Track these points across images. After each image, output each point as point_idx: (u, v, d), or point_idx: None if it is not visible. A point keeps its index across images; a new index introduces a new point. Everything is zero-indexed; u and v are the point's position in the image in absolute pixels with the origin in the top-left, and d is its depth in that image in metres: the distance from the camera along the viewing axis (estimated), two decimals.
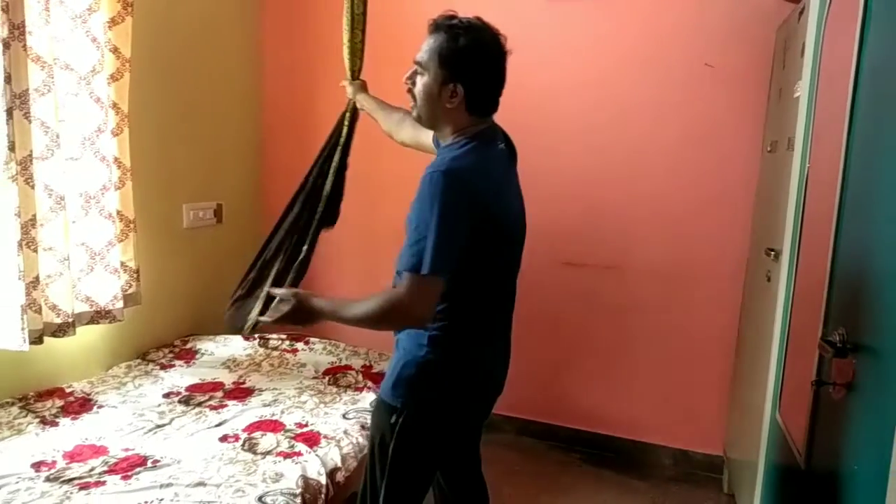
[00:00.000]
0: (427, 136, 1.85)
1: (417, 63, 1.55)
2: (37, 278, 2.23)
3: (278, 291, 1.65)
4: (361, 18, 2.30)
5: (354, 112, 2.34)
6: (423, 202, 1.41)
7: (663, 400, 3.05)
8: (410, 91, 1.58)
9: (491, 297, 1.61)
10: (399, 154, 2.21)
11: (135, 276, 2.65)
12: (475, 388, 1.65)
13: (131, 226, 2.61)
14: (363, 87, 2.35)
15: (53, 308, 2.34)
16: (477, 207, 1.44)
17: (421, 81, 1.54)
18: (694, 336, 2.97)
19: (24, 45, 2.15)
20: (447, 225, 1.39)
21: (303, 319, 1.58)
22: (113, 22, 2.48)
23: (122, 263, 2.60)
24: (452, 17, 1.52)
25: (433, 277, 1.40)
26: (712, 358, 2.95)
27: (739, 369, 2.78)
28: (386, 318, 1.47)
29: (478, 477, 1.91)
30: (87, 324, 2.50)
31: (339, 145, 2.31)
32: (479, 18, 1.54)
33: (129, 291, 2.63)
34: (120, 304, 2.57)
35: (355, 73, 2.36)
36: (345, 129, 2.33)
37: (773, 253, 2.16)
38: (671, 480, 2.97)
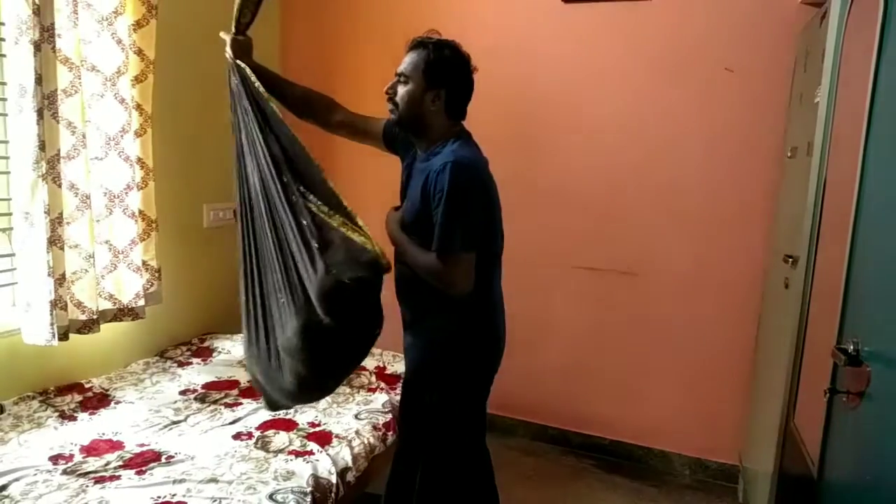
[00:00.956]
0: (372, 125, 2.03)
1: (401, 73, 1.76)
2: (63, 275, 2.28)
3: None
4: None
5: (240, 69, 1.87)
6: (445, 190, 1.62)
7: (679, 407, 3.02)
8: (391, 99, 1.79)
9: (497, 278, 1.87)
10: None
11: (156, 274, 2.69)
12: (499, 348, 1.90)
13: (153, 225, 2.65)
14: (248, 48, 1.93)
15: (79, 305, 2.39)
16: (488, 191, 1.74)
17: (404, 90, 1.75)
18: (711, 343, 2.94)
19: (54, 47, 2.20)
20: (467, 207, 1.65)
21: (390, 227, 1.83)
22: (138, 24, 2.53)
23: (144, 262, 2.64)
24: (432, 37, 1.76)
25: (467, 254, 1.67)
26: (729, 365, 2.92)
27: (757, 376, 2.74)
28: (435, 280, 1.71)
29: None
30: (110, 321, 2.54)
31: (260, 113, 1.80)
32: (455, 42, 1.78)
33: (151, 290, 2.67)
34: (142, 303, 2.62)
35: (241, 27, 1.92)
36: (252, 87, 1.82)
37: (790, 259, 2.14)
38: (685, 489, 2.94)
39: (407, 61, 1.76)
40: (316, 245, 1.54)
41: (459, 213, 1.64)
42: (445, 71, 1.74)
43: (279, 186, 1.65)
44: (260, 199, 1.72)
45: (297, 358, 1.62)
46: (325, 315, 1.53)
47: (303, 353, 1.60)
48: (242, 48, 1.90)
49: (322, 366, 1.67)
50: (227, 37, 1.92)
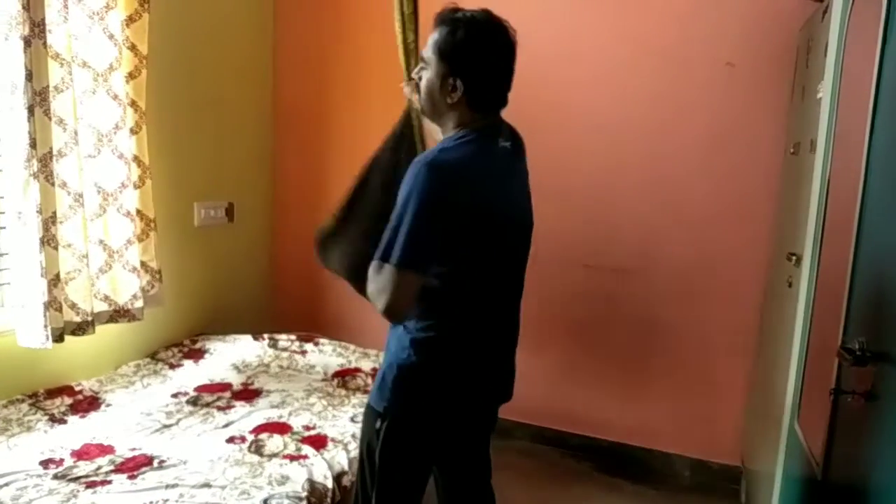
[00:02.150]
0: None
1: (421, 58, 1.53)
2: (57, 276, 2.24)
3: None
4: (412, 17, 2.20)
5: (416, 113, 2.10)
6: (405, 192, 1.39)
7: (680, 408, 3.00)
8: (417, 86, 1.56)
9: (480, 300, 1.54)
10: None
11: (157, 276, 2.64)
12: (463, 394, 1.58)
13: (151, 225, 2.61)
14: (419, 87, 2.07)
15: (73, 306, 2.34)
16: (458, 202, 1.40)
17: (425, 76, 1.52)
18: (713, 342, 2.91)
19: (45, 43, 2.16)
20: (421, 219, 1.36)
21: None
22: (130, 19, 2.50)
23: (143, 263, 2.60)
24: (456, 9, 1.49)
25: (407, 272, 1.38)
26: (731, 365, 2.89)
27: (759, 377, 2.72)
28: (371, 298, 1.45)
29: (485, 487, 1.83)
30: (106, 323, 2.50)
31: (414, 147, 2.06)
32: (485, 10, 1.49)
33: (152, 292, 2.63)
34: (140, 304, 2.57)
35: (411, 73, 2.14)
36: (415, 131, 2.09)
37: (794, 258, 2.11)
38: (687, 490, 2.91)
39: (428, 43, 1.51)
40: None
41: (408, 222, 1.36)
42: (460, 56, 1.46)
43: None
44: None
45: None
46: None
47: None
48: (417, 89, 1.86)
49: None
50: (406, 86, 1.93)
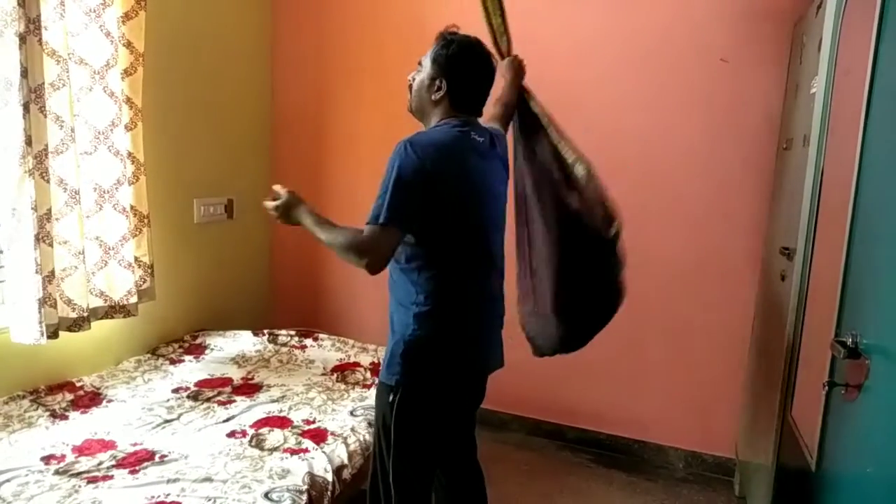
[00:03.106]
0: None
1: (419, 63, 1.80)
2: (52, 272, 2.25)
3: (279, 190, 1.87)
4: (497, 2, 2.19)
5: (526, 92, 2.21)
6: (388, 166, 1.60)
7: (675, 401, 3.02)
8: (410, 86, 1.82)
9: (465, 270, 1.73)
10: None
11: (149, 271, 2.65)
12: (465, 360, 1.76)
13: (145, 221, 2.62)
14: (511, 65, 2.20)
15: (69, 302, 2.35)
16: (432, 174, 1.60)
17: (418, 78, 1.79)
18: (707, 336, 2.94)
19: (40, 40, 2.16)
20: (402, 184, 1.57)
21: (285, 216, 1.83)
22: (127, 16, 2.49)
23: (137, 258, 2.61)
24: (454, 32, 1.78)
25: (388, 227, 1.57)
26: (726, 359, 2.91)
27: (753, 370, 2.74)
28: (345, 253, 1.63)
29: (473, 462, 1.98)
30: (101, 318, 2.52)
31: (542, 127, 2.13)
32: (476, 38, 1.79)
33: (144, 287, 2.64)
34: (134, 300, 2.59)
35: (503, 53, 2.22)
36: (532, 109, 2.16)
37: (787, 252, 2.13)
38: (681, 482, 2.94)
39: (427, 52, 1.79)
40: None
41: (392, 187, 1.57)
42: (449, 64, 1.73)
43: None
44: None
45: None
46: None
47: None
48: (510, 66, 2.19)
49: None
50: (502, 64, 2.15)
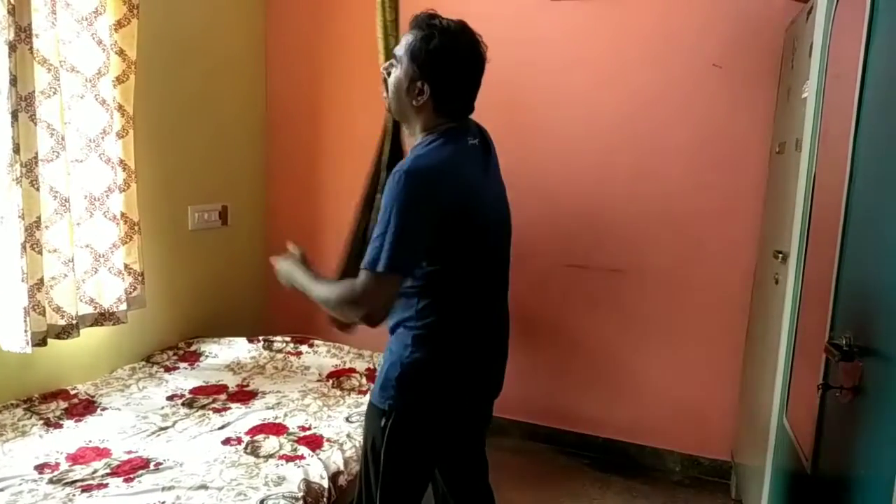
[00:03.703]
0: None
1: (394, 55, 1.57)
2: (41, 280, 2.24)
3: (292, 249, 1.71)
4: (394, 25, 2.26)
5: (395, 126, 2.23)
6: (387, 201, 1.42)
7: (671, 404, 3.02)
8: (385, 81, 1.59)
9: (472, 293, 1.59)
10: None
11: (139, 278, 2.65)
12: (464, 388, 1.62)
13: (136, 228, 2.61)
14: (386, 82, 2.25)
15: (58, 310, 2.34)
16: (441, 205, 1.44)
17: (394, 73, 1.55)
18: (702, 339, 2.94)
19: (31, 48, 2.16)
20: (405, 224, 1.40)
21: (283, 277, 1.66)
22: (119, 24, 2.49)
23: (127, 266, 2.60)
24: (433, 16, 1.53)
25: (388, 275, 1.41)
26: (720, 362, 2.92)
27: (748, 373, 2.75)
28: (340, 308, 1.50)
29: (483, 485, 1.85)
30: (91, 326, 2.51)
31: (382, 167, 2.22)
32: (461, 22, 1.53)
33: (134, 294, 2.64)
34: (124, 307, 2.58)
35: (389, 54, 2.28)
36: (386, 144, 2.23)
37: (780, 255, 2.14)
38: (678, 485, 2.94)
39: (402, 41, 1.55)
40: None
41: (392, 229, 1.39)
42: (431, 63, 1.49)
43: None
44: None
45: None
46: None
47: None
48: None
49: None
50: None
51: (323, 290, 1.53)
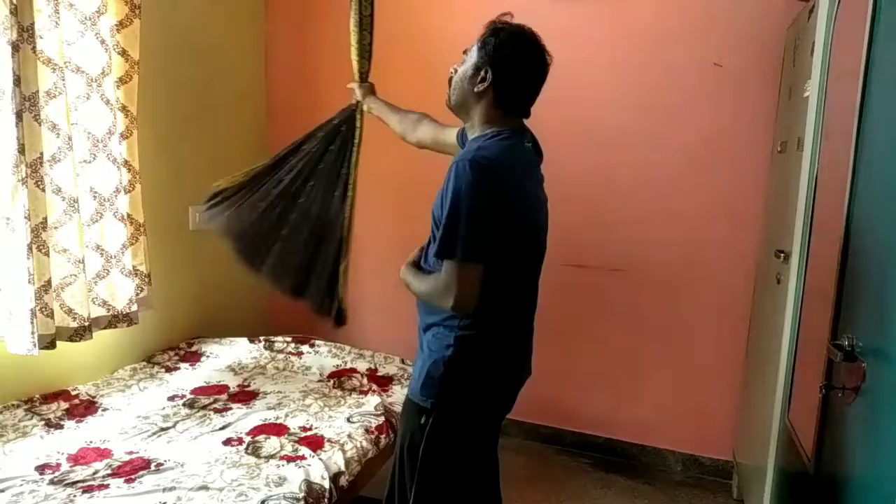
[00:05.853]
0: (448, 134, 1.93)
1: (465, 52, 1.65)
2: (48, 282, 2.22)
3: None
4: (369, 20, 2.30)
5: (362, 114, 2.36)
6: (453, 190, 1.45)
7: (672, 404, 3.02)
8: (450, 79, 1.67)
9: (517, 296, 1.63)
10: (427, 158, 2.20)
11: (146, 280, 2.64)
12: (503, 388, 1.67)
13: (141, 229, 2.61)
14: (372, 90, 2.36)
15: (69, 312, 2.33)
16: (502, 199, 1.48)
17: (461, 68, 1.64)
18: (703, 339, 2.94)
19: (34, 48, 2.15)
20: (477, 213, 1.44)
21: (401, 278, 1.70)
22: (121, 24, 2.49)
23: (134, 267, 2.59)
24: (506, 21, 1.63)
25: (470, 264, 1.46)
26: (722, 361, 2.92)
27: (749, 373, 2.75)
28: (431, 300, 1.57)
29: (496, 490, 1.86)
30: (104, 328, 2.49)
31: (352, 145, 2.34)
32: (531, 29, 1.62)
33: (142, 296, 2.63)
34: (136, 308, 2.57)
35: (364, 75, 2.36)
36: (357, 132, 2.34)
37: (782, 255, 2.14)
38: (680, 485, 2.93)
39: (474, 42, 1.64)
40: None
41: (465, 218, 1.43)
42: (497, 53, 1.56)
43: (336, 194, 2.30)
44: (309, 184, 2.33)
45: None
46: None
47: None
48: (369, 91, 2.35)
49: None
50: (357, 87, 2.36)
51: (417, 286, 1.61)
